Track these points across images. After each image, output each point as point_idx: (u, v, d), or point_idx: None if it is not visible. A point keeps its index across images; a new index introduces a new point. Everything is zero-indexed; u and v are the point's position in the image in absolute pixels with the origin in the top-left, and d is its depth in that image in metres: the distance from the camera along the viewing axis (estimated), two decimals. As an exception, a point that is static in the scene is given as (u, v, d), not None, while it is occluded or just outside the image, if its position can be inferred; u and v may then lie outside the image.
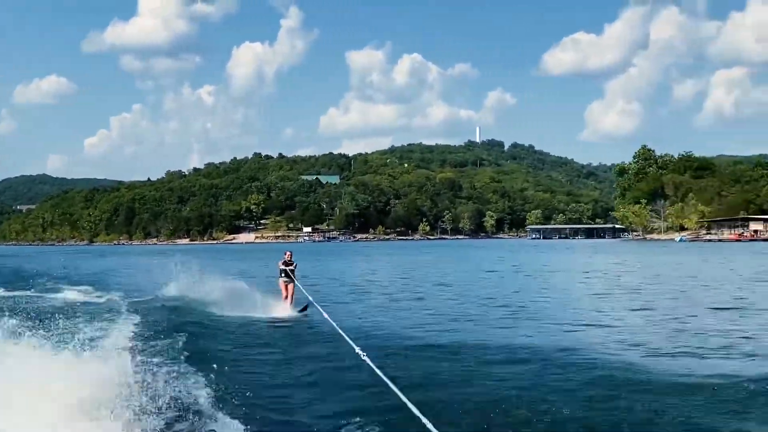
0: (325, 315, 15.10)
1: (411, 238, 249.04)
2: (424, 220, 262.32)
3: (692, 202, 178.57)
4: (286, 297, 21.93)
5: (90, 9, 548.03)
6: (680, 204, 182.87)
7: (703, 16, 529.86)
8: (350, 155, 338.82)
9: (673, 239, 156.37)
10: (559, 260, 67.11)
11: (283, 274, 22.18)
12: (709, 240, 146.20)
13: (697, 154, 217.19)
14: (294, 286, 21.96)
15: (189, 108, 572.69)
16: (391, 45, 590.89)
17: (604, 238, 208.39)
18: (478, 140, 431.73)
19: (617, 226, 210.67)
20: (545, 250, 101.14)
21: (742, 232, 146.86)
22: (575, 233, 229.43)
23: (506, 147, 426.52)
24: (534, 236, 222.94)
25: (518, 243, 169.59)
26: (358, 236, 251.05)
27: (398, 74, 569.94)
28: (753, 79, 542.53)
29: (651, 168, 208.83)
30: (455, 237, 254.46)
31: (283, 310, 21.51)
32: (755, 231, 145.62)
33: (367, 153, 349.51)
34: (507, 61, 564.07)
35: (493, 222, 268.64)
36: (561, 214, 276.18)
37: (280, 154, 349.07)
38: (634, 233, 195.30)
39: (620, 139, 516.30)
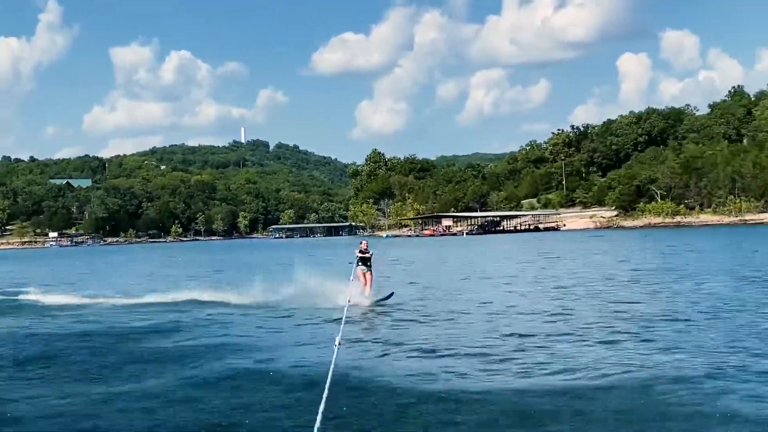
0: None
1: (164, 240, 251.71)
2: (177, 222, 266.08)
3: (409, 201, 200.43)
4: (366, 284, 22.88)
5: None
6: (400, 203, 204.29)
7: (463, 20, 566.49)
8: (106, 158, 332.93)
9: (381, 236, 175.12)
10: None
11: (360, 263, 22.87)
12: (409, 236, 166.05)
13: (458, 152, 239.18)
14: (372, 275, 23.21)
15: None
16: (158, 42, 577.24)
17: (342, 235, 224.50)
18: (243, 140, 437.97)
19: (353, 224, 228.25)
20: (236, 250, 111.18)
21: (436, 228, 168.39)
22: (314, 232, 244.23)
23: (271, 147, 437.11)
24: (277, 236, 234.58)
25: (253, 243, 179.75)
26: (109, 240, 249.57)
27: (166, 72, 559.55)
28: (509, 80, 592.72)
29: (381, 170, 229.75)
30: (209, 238, 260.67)
31: (363, 298, 22.28)
32: (447, 227, 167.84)
33: (125, 155, 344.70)
34: (278, 60, 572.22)
35: (246, 222, 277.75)
36: (314, 213, 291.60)
37: (31, 157, 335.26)
38: (365, 231, 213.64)
39: (389, 137, 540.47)
